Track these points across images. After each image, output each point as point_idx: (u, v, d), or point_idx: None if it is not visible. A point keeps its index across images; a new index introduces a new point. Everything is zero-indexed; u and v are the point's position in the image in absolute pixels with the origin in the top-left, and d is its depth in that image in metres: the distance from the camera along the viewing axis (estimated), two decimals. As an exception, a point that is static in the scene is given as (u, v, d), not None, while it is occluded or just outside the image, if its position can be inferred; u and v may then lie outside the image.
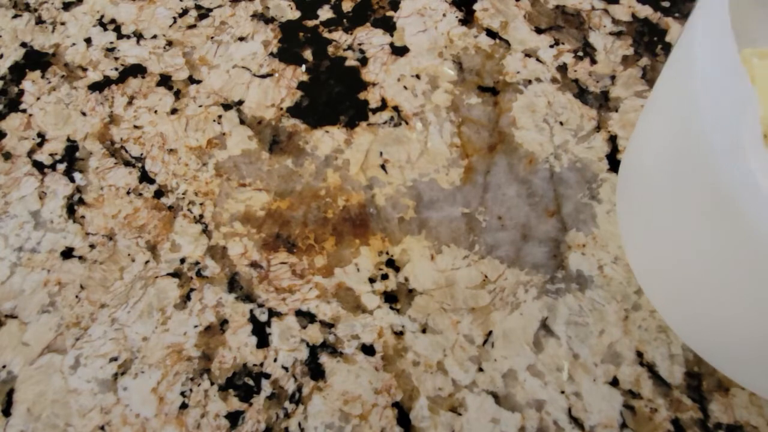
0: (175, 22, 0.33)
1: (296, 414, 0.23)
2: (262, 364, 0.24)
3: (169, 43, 0.33)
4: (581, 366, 0.24)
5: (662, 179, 0.20)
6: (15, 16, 0.34)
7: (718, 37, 0.15)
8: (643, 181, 0.22)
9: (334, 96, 0.30)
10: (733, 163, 0.15)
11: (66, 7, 0.35)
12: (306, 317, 0.25)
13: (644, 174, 0.22)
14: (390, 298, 0.25)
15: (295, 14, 0.33)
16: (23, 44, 0.33)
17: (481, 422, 0.23)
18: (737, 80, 0.14)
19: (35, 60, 0.33)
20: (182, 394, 0.24)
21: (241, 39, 0.33)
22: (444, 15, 0.32)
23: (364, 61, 0.31)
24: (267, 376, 0.24)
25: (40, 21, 0.34)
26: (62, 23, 0.34)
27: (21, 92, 0.32)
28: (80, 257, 0.27)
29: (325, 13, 0.33)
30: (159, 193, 0.28)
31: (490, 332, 0.24)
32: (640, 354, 0.24)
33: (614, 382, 0.23)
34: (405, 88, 0.30)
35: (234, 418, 0.24)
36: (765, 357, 0.19)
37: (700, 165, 0.17)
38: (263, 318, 0.25)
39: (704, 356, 0.23)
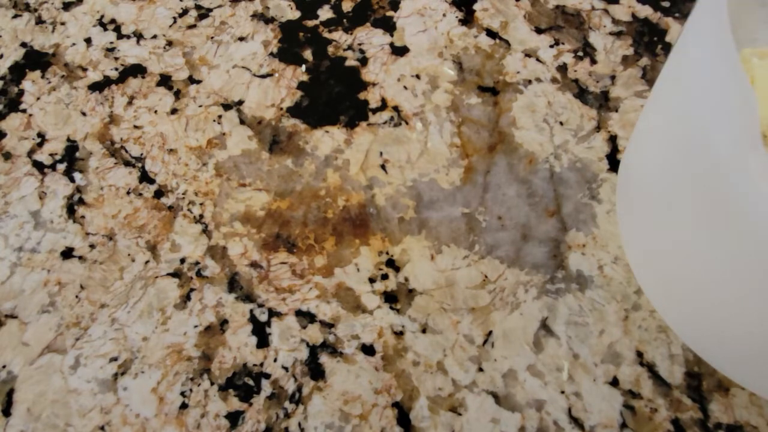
0: (175, 22, 0.33)
1: (296, 414, 0.23)
2: (262, 364, 0.24)
3: (169, 43, 0.33)
4: (581, 366, 0.24)
5: (662, 179, 0.20)
6: (15, 16, 0.34)
7: (718, 37, 0.15)
8: (643, 181, 0.22)
9: (334, 96, 0.30)
10: (733, 163, 0.15)
11: (66, 7, 0.35)
12: (306, 317, 0.25)
13: (644, 174, 0.22)
14: (390, 298, 0.25)
15: (295, 14, 0.33)
16: (23, 44, 0.33)
17: (481, 422, 0.23)
18: (736, 81, 0.14)
19: (35, 60, 0.33)
20: (182, 394, 0.24)
21: (241, 39, 0.33)
22: (444, 15, 0.32)
23: (364, 61, 0.31)
24: (267, 376, 0.24)
25: (40, 21, 0.34)
26: (62, 23, 0.34)
27: (21, 92, 0.32)
28: (80, 257, 0.27)
29: (325, 13, 0.33)
30: (159, 193, 0.28)
31: (490, 332, 0.24)
32: (640, 354, 0.24)
33: (614, 382, 0.23)
34: (405, 88, 0.30)
35: (234, 418, 0.24)
36: (764, 356, 0.19)
37: (700, 165, 0.17)
38: (263, 318, 0.25)
39: (704, 356, 0.23)
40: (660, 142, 0.20)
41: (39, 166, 0.30)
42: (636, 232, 0.24)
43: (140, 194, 0.28)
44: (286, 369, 0.24)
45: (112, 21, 0.34)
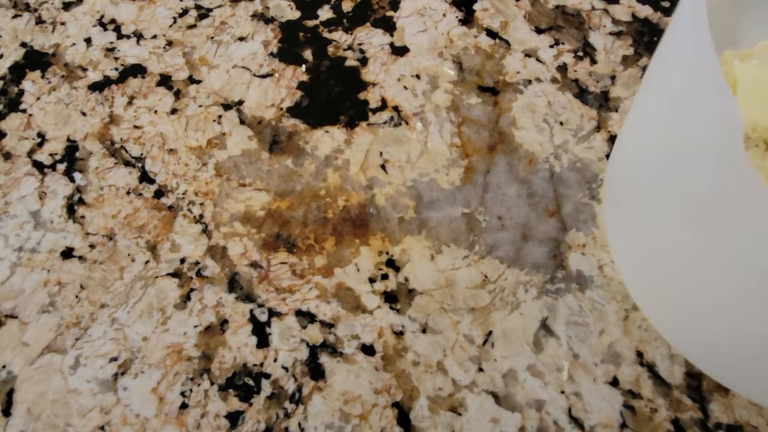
0: (175, 22, 0.33)
1: (296, 414, 0.24)
2: (262, 364, 0.24)
3: (169, 43, 0.33)
4: (581, 366, 0.24)
5: (646, 183, 0.20)
6: (15, 16, 0.34)
7: (697, 44, 0.15)
8: (629, 185, 0.22)
9: (334, 96, 0.30)
10: (714, 173, 0.15)
11: (66, 7, 0.35)
12: (306, 317, 0.25)
13: (629, 178, 0.22)
14: (390, 298, 0.25)
15: (295, 14, 0.33)
16: (23, 44, 0.33)
17: (481, 422, 0.23)
18: (717, 88, 0.14)
19: (35, 60, 0.33)
20: (182, 394, 0.24)
21: (241, 39, 0.33)
22: (444, 15, 0.32)
23: (364, 61, 0.31)
24: (267, 376, 0.24)
25: (40, 21, 0.34)
26: (62, 23, 0.34)
27: (21, 92, 0.32)
28: (80, 257, 0.27)
29: (325, 13, 0.33)
30: (159, 193, 0.28)
31: (490, 332, 0.24)
32: (640, 354, 0.24)
33: (614, 382, 0.23)
34: (405, 88, 0.30)
35: (234, 418, 0.24)
36: (753, 360, 0.19)
37: (681, 170, 0.17)
38: (263, 318, 0.25)
39: (694, 361, 0.23)
40: (645, 145, 0.20)
41: (39, 166, 0.30)
42: (623, 236, 0.24)
43: (140, 194, 0.28)
44: (286, 369, 0.24)
45: (112, 21, 0.34)
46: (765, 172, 0.19)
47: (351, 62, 0.31)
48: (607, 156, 0.28)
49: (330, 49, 0.32)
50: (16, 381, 0.25)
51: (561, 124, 0.29)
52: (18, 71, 0.32)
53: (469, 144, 0.29)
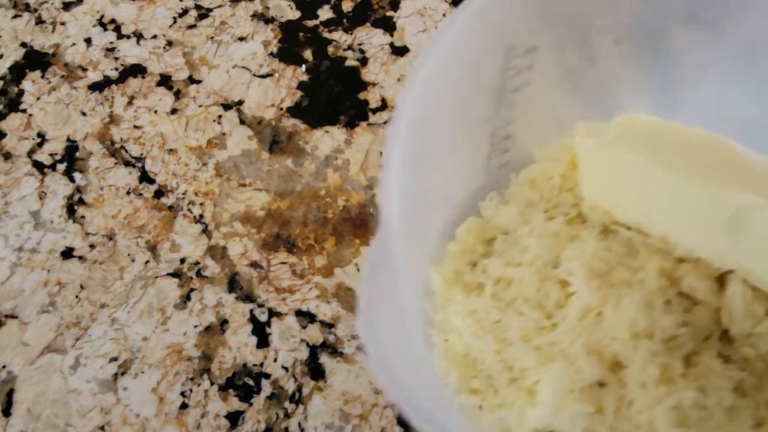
0: (175, 22, 0.33)
1: (296, 414, 0.23)
2: (262, 364, 0.24)
3: (169, 43, 0.33)
4: (581, 366, 0.24)
5: None
6: (15, 16, 0.34)
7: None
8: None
9: (334, 96, 0.30)
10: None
11: (66, 7, 0.35)
12: (306, 317, 0.25)
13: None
14: (390, 298, 0.25)
15: (295, 14, 0.33)
16: (23, 44, 0.33)
17: (481, 422, 0.23)
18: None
19: (35, 60, 0.33)
20: (182, 394, 0.24)
21: (241, 39, 0.33)
22: (444, 15, 0.32)
23: (364, 61, 0.31)
24: (267, 376, 0.24)
25: (40, 21, 0.34)
26: (62, 23, 0.34)
27: (21, 92, 0.32)
28: (80, 257, 0.27)
29: (325, 13, 0.33)
30: (159, 193, 0.28)
31: (490, 332, 0.24)
32: (640, 354, 0.24)
33: (614, 382, 0.23)
34: (405, 88, 0.30)
35: (234, 418, 0.24)
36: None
37: None
38: (263, 318, 0.25)
39: None
40: None
41: (39, 166, 0.30)
42: None
43: (140, 194, 0.28)
44: (286, 369, 0.24)
45: (112, 21, 0.34)
46: (585, 260, 0.18)
47: (351, 62, 0.31)
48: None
49: (330, 49, 0.32)
50: (16, 381, 0.25)
51: (561, 124, 0.29)
52: (18, 71, 0.32)
53: (469, 144, 0.29)
